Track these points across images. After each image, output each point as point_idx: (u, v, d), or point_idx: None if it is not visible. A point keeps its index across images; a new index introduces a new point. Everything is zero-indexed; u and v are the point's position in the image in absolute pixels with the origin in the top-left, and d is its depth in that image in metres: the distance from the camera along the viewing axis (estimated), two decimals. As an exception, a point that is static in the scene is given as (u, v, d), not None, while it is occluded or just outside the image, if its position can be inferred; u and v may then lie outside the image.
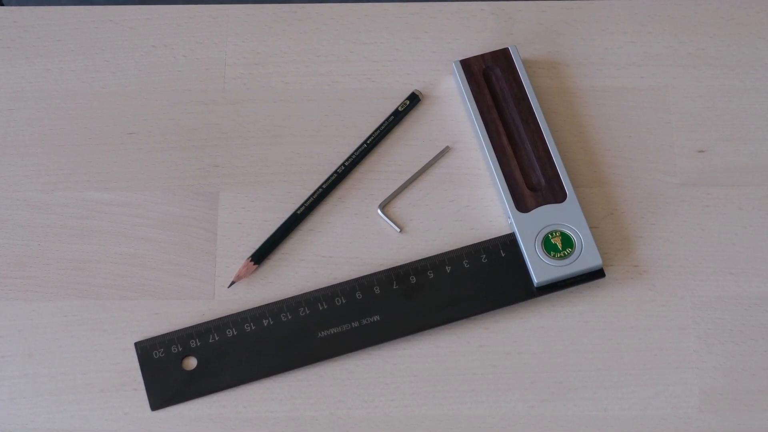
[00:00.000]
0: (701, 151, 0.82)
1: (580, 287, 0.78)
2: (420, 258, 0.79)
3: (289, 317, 0.77)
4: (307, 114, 0.83)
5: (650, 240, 0.80)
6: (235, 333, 0.76)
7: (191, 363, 0.76)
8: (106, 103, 0.83)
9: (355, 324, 0.77)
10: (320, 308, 0.77)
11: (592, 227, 0.80)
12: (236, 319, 0.77)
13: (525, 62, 0.84)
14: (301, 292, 0.78)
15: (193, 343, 0.76)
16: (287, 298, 0.77)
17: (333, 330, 0.77)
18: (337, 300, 0.77)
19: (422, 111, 0.83)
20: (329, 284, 0.78)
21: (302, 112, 0.83)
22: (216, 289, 0.78)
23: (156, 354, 0.76)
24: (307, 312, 0.77)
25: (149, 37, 0.86)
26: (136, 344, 0.76)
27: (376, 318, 0.77)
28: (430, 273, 0.78)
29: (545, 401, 0.76)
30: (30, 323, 0.77)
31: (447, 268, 0.78)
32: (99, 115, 0.83)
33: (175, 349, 0.76)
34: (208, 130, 0.83)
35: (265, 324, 0.77)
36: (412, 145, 0.82)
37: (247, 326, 0.77)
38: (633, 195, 0.81)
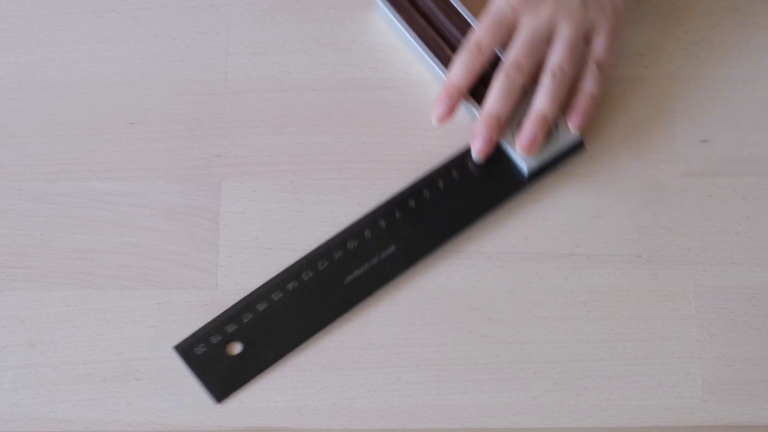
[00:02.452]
0: (705, 141, 0.82)
1: (585, 278, 0.78)
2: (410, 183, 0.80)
3: (311, 274, 0.77)
4: (310, 103, 0.83)
5: (653, 230, 0.79)
6: (266, 306, 0.77)
7: (235, 348, 0.76)
8: (108, 93, 0.83)
9: (375, 261, 0.78)
10: (336, 257, 0.78)
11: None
12: (262, 293, 0.77)
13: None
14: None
15: (229, 328, 0.76)
16: (305, 256, 0.78)
17: (357, 272, 0.78)
18: (349, 244, 0.78)
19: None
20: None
21: (304, 102, 0.83)
22: (218, 279, 0.78)
23: (198, 350, 0.76)
24: (326, 264, 0.78)
25: (151, 26, 0.85)
26: (176, 348, 0.76)
27: (393, 249, 0.78)
28: (425, 192, 0.79)
29: (548, 391, 0.76)
30: (32, 313, 0.77)
31: (439, 182, 0.80)
32: (101, 105, 0.83)
33: (214, 340, 0.76)
34: (210, 119, 0.83)
35: (290, 288, 0.77)
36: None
37: (274, 296, 0.77)
38: (636, 184, 0.81)
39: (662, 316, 0.77)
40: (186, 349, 0.76)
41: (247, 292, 0.77)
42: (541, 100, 0.79)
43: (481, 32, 0.80)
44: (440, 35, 0.83)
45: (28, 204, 0.80)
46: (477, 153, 0.79)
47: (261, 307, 0.77)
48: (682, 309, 0.77)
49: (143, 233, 0.79)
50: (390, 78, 0.84)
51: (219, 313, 0.77)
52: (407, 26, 0.83)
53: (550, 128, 0.79)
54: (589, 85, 0.80)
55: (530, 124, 0.78)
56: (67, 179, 0.81)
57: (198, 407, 0.75)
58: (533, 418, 0.75)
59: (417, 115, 0.83)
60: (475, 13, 0.83)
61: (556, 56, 0.79)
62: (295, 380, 0.76)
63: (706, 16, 0.86)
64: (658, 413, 0.75)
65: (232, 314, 0.77)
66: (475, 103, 0.80)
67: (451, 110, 0.80)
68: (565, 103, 0.80)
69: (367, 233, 0.79)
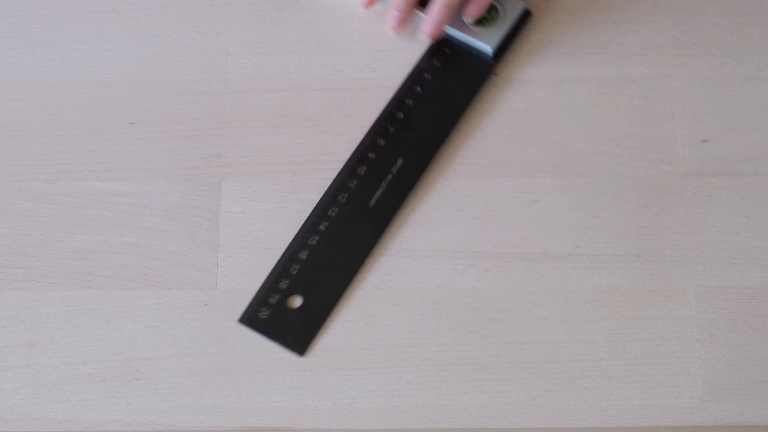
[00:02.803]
0: (704, 141, 0.82)
1: (585, 278, 0.78)
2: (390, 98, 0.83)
3: (336, 210, 0.79)
4: (310, 103, 0.83)
5: (653, 230, 0.79)
6: (307, 252, 0.78)
7: (296, 301, 0.77)
8: (108, 93, 0.83)
9: (389, 177, 0.80)
10: (352, 185, 0.80)
11: None
12: (299, 242, 0.78)
13: (527, 52, 0.84)
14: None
15: (283, 285, 0.77)
16: (323, 197, 0.80)
17: (378, 193, 0.80)
18: (360, 170, 0.80)
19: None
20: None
21: (304, 102, 0.83)
22: (218, 279, 0.78)
23: (262, 315, 0.77)
24: (346, 195, 0.80)
25: (151, 26, 0.85)
26: (240, 321, 0.77)
27: (401, 161, 0.81)
28: (408, 101, 0.82)
29: (548, 391, 0.76)
30: (32, 313, 0.77)
31: (417, 88, 0.83)
32: (101, 105, 0.83)
33: (273, 300, 0.77)
34: (210, 119, 0.83)
35: (323, 228, 0.79)
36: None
37: (310, 241, 0.78)
38: (636, 185, 0.81)
39: (662, 316, 0.77)
40: (251, 318, 0.77)
41: (248, 292, 0.78)
42: None
43: None
44: None
45: (28, 204, 0.80)
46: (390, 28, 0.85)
47: (303, 255, 0.78)
48: (682, 309, 0.77)
49: (143, 233, 0.79)
50: (390, 78, 0.84)
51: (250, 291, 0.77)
52: None
53: (496, 6, 0.84)
54: None
55: (435, 9, 0.84)
56: (67, 179, 0.81)
57: (198, 407, 0.75)
58: (533, 418, 0.75)
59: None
60: None
61: None
62: (295, 380, 0.76)
63: (705, 17, 0.86)
64: (658, 413, 0.75)
65: (280, 270, 0.78)
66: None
67: (402, 21, 0.84)
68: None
69: (371, 155, 0.81)
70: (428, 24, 0.84)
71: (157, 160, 0.81)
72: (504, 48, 0.84)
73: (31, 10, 0.86)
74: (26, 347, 0.77)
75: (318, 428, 0.75)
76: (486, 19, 0.84)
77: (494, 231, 0.80)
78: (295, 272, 0.78)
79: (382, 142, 0.81)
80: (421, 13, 0.85)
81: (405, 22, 0.85)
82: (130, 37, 0.85)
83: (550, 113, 0.83)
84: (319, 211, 0.79)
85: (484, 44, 0.84)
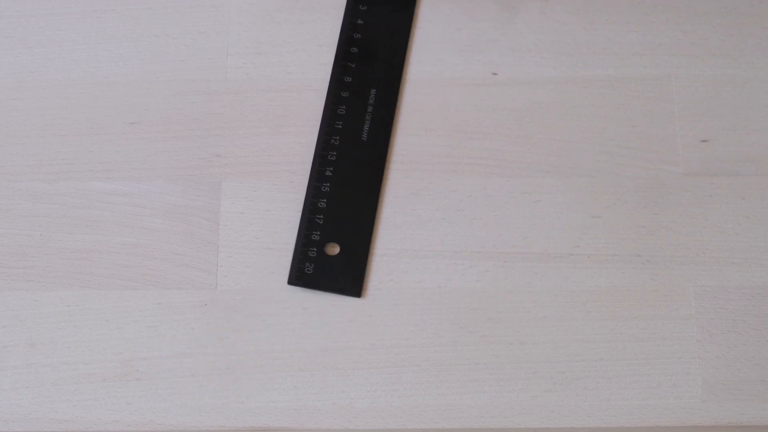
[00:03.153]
0: (704, 141, 0.82)
1: (585, 278, 0.78)
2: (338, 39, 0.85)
3: (333, 153, 0.81)
4: (310, 103, 0.83)
5: (653, 230, 0.79)
6: (324, 200, 0.80)
7: (334, 248, 0.79)
8: (108, 93, 0.83)
9: (370, 109, 0.82)
10: (338, 126, 0.81)
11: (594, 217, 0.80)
12: (312, 193, 0.80)
13: (527, 52, 0.84)
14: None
15: (315, 236, 0.79)
16: (317, 143, 0.81)
17: (366, 126, 0.81)
18: (339, 110, 0.82)
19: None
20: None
21: (304, 102, 0.83)
22: (218, 279, 0.78)
23: (308, 270, 0.78)
24: (337, 138, 0.81)
25: (151, 26, 0.85)
26: (289, 282, 0.78)
27: (374, 91, 0.83)
28: (356, 35, 0.84)
29: (548, 391, 0.76)
30: (32, 313, 0.77)
31: (358, 20, 0.85)
32: (101, 105, 0.83)
33: (312, 253, 0.78)
34: (210, 119, 0.83)
35: (329, 173, 0.80)
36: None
37: (323, 188, 0.80)
38: (636, 185, 0.81)
39: (662, 316, 0.77)
40: (299, 277, 0.78)
41: (248, 292, 0.78)
42: None
43: None
44: None
45: (28, 204, 0.80)
46: None
47: (322, 203, 0.79)
48: (682, 309, 0.77)
49: (143, 233, 0.79)
50: (390, 78, 0.84)
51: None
52: None
53: None
54: None
55: None
56: (67, 179, 0.81)
57: (198, 407, 0.75)
58: (533, 418, 0.75)
59: (417, 115, 0.83)
60: None
61: None
62: (295, 380, 0.76)
63: (705, 17, 0.86)
64: (658, 413, 0.75)
65: (307, 224, 0.79)
66: None
67: None
68: None
69: (345, 94, 0.82)
70: None
71: (157, 160, 0.81)
72: None
73: (31, 10, 0.86)
74: (26, 347, 0.77)
75: (318, 428, 0.75)
76: None
77: (494, 231, 0.80)
78: (321, 221, 0.79)
79: (348, 79, 0.83)
80: None
81: None
82: (130, 37, 0.85)
83: (550, 113, 0.83)
84: (319, 159, 0.80)
85: None
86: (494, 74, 0.84)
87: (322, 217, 0.79)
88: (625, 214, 0.80)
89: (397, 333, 0.77)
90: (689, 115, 0.83)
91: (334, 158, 0.81)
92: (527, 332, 0.77)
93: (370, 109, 0.82)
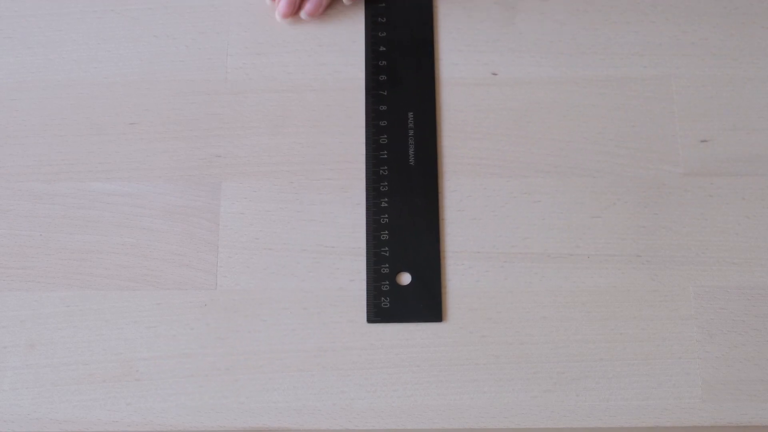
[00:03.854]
0: (704, 141, 0.82)
1: (585, 278, 0.78)
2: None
3: (385, 184, 0.80)
4: (309, 104, 0.83)
5: (653, 230, 0.79)
6: (386, 232, 0.79)
7: (405, 277, 0.78)
8: (108, 93, 0.83)
9: (411, 132, 0.82)
10: (383, 156, 0.81)
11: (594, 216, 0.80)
12: (373, 227, 0.79)
13: (527, 52, 0.84)
14: (304, 281, 0.78)
15: (384, 269, 0.78)
16: (366, 185, 0.81)
17: (410, 151, 0.81)
18: (381, 140, 0.82)
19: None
20: (333, 274, 0.78)
21: (304, 102, 0.83)
22: (218, 279, 0.78)
23: (384, 305, 0.78)
24: (385, 168, 0.81)
25: (151, 26, 0.85)
26: (369, 321, 0.77)
27: (411, 114, 0.83)
28: (381, 62, 0.84)
29: (548, 391, 0.75)
30: (32, 313, 0.77)
31: (380, 48, 0.85)
32: (101, 105, 0.83)
33: (385, 287, 0.78)
34: (210, 120, 0.83)
35: (384, 205, 0.80)
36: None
37: (382, 220, 0.80)
38: (636, 185, 0.81)
39: (662, 316, 0.77)
40: (378, 313, 0.77)
41: (247, 292, 0.78)
42: None
43: None
44: None
45: (28, 204, 0.80)
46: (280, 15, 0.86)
47: (384, 235, 0.79)
48: (682, 309, 0.77)
49: (143, 234, 0.79)
50: (390, 78, 0.84)
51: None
52: None
53: None
54: None
55: None
56: (67, 180, 0.81)
57: (198, 407, 0.75)
58: (533, 418, 0.75)
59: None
60: None
61: None
62: (295, 380, 0.76)
63: (705, 17, 0.86)
64: (657, 413, 0.75)
65: (375, 259, 0.79)
66: None
67: (293, 6, 0.85)
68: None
69: (383, 123, 0.82)
70: (308, 6, 0.85)
71: (156, 161, 0.81)
72: None
73: (31, 10, 0.86)
74: (26, 348, 0.77)
75: (318, 428, 0.75)
76: None
77: (494, 231, 0.80)
78: (387, 253, 0.79)
79: (383, 107, 0.82)
80: None
81: (294, 8, 0.85)
82: (130, 38, 0.85)
83: (550, 113, 0.83)
84: (372, 192, 0.80)
85: None
86: (494, 74, 0.84)
87: (387, 249, 0.79)
88: (625, 215, 0.80)
89: (395, 333, 0.77)
90: (689, 116, 0.83)
91: (385, 189, 0.80)
92: (527, 332, 0.77)
93: (411, 132, 0.82)
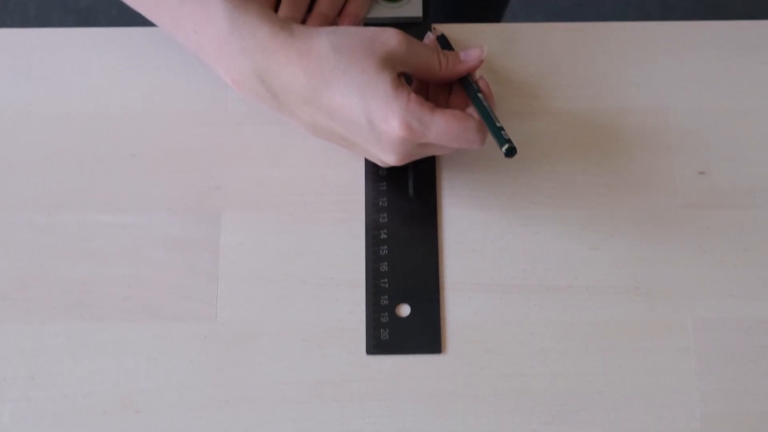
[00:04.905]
0: (702, 173, 0.82)
1: (583, 310, 0.78)
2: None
3: (384, 215, 0.81)
4: (309, 136, 0.83)
5: (651, 262, 0.80)
6: (385, 263, 0.79)
7: (404, 309, 0.78)
8: (109, 125, 0.84)
9: (410, 172, 0.82)
10: (382, 188, 0.81)
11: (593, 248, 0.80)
12: (372, 258, 0.80)
13: (525, 84, 0.85)
14: (304, 314, 0.78)
15: (384, 301, 0.78)
16: (366, 218, 0.81)
17: (409, 181, 0.81)
18: (381, 171, 0.82)
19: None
20: (332, 305, 0.78)
21: (304, 135, 0.83)
22: (218, 311, 0.78)
23: (384, 336, 0.77)
24: (384, 200, 0.81)
25: (152, 59, 0.86)
26: (368, 352, 0.77)
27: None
28: None
29: (547, 424, 0.76)
30: (32, 345, 0.78)
31: None
32: (101, 137, 0.83)
33: (384, 318, 0.78)
34: (210, 151, 0.83)
35: (383, 236, 0.80)
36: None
37: (381, 251, 0.80)
38: (634, 217, 0.81)
39: (660, 348, 0.77)
40: (378, 345, 0.78)
41: (247, 324, 0.78)
42: (323, 3, 0.85)
43: None
44: None
45: (28, 235, 0.80)
46: None
47: (383, 267, 0.79)
48: (681, 341, 0.78)
49: (143, 265, 0.80)
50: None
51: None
52: None
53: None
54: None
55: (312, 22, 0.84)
56: (67, 211, 0.81)
57: None
58: (532, 450, 0.75)
59: (416, 148, 0.83)
60: None
61: None
62: (295, 412, 0.76)
63: (702, 50, 0.86)
64: (656, 446, 0.75)
65: (374, 290, 0.79)
66: None
67: None
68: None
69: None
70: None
71: (157, 192, 0.82)
72: (427, 5, 0.87)
73: (34, 42, 0.86)
74: (26, 379, 0.77)
75: (317, 461, 0.75)
76: None
77: (493, 263, 0.80)
78: (386, 285, 0.79)
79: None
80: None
81: None
82: (131, 69, 0.85)
83: (548, 145, 0.83)
84: (371, 223, 0.80)
85: (413, 14, 0.86)
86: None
87: (386, 280, 0.79)
88: (623, 246, 0.80)
89: (395, 364, 0.77)
90: (687, 148, 0.83)
91: (384, 220, 0.81)
92: (526, 364, 0.77)
93: (410, 164, 0.82)
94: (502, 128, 0.75)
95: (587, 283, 0.79)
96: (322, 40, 0.73)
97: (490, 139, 0.76)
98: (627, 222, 0.81)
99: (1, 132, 0.84)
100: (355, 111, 0.72)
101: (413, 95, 0.73)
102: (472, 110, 0.77)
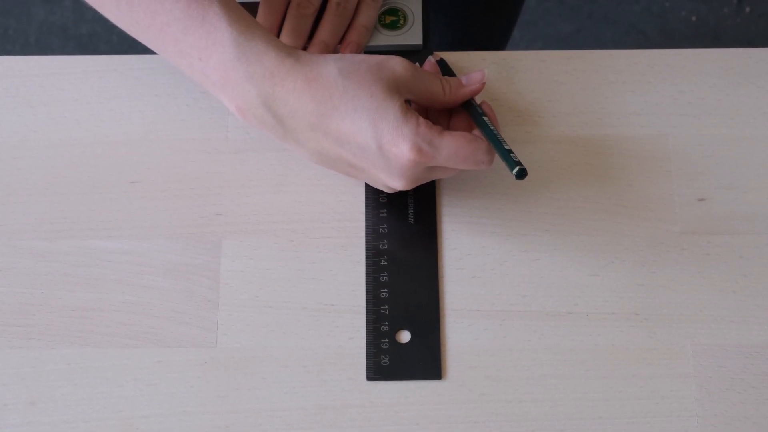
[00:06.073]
0: (701, 200, 0.83)
1: (583, 337, 0.78)
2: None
3: (384, 242, 0.81)
4: (310, 163, 0.83)
5: (651, 288, 0.80)
6: (385, 289, 0.79)
7: (404, 335, 0.78)
8: (110, 152, 0.84)
9: (411, 193, 0.82)
10: (383, 214, 0.82)
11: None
12: (372, 285, 0.80)
13: (525, 111, 0.85)
14: (304, 341, 0.78)
15: (384, 327, 0.78)
16: (366, 243, 0.81)
17: (409, 208, 0.82)
18: (381, 198, 0.82)
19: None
20: (333, 332, 0.78)
21: (305, 161, 0.83)
22: (218, 337, 0.78)
23: (384, 362, 0.77)
24: (384, 226, 0.81)
25: (153, 86, 0.86)
26: (368, 378, 0.77)
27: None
28: None
29: (547, 450, 0.76)
30: (33, 371, 0.78)
31: None
32: (102, 164, 0.84)
33: (385, 345, 0.78)
34: (210, 178, 0.83)
35: (383, 263, 0.80)
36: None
37: (381, 278, 0.80)
38: (634, 243, 0.81)
39: (660, 374, 0.77)
40: (378, 371, 0.78)
41: (247, 350, 0.78)
42: (324, 31, 0.84)
43: None
44: None
45: (29, 262, 0.81)
46: None
47: (384, 293, 0.79)
48: (681, 367, 0.78)
49: (144, 291, 0.80)
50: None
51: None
52: None
53: (396, 7, 0.87)
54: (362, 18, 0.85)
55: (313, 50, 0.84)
56: (68, 237, 0.81)
57: (197, 466, 0.75)
58: (532, 477, 0.75)
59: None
60: None
61: None
62: (295, 439, 0.76)
63: (702, 77, 0.86)
64: (657, 472, 0.75)
65: (374, 317, 0.79)
66: None
67: None
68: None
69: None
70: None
71: (157, 219, 0.82)
72: (427, 32, 0.87)
73: (34, 69, 0.87)
74: (26, 405, 0.77)
75: (317, 487, 0.75)
76: (397, 21, 0.86)
77: (493, 289, 0.80)
78: (386, 311, 0.79)
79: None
80: None
81: None
82: (132, 97, 0.86)
83: (547, 172, 0.83)
84: (372, 250, 0.81)
85: (413, 41, 0.86)
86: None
87: (387, 306, 0.79)
88: (623, 273, 0.80)
89: (395, 390, 0.77)
90: (686, 174, 0.83)
91: (385, 246, 0.81)
92: (526, 390, 0.77)
93: (410, 191, 0.82)
94: (510, 151, 0.75)
95: (587, 309, 0.79)
96: (330, 66, 0.73)
97: (494, 163, 0.76)
98: (627, 248, 0.81)
99: (2, 159, 0.84)
100: (365, 136, 0.72)
101: (422, 119, 0.73)
102: (477, 133, 0.77)
